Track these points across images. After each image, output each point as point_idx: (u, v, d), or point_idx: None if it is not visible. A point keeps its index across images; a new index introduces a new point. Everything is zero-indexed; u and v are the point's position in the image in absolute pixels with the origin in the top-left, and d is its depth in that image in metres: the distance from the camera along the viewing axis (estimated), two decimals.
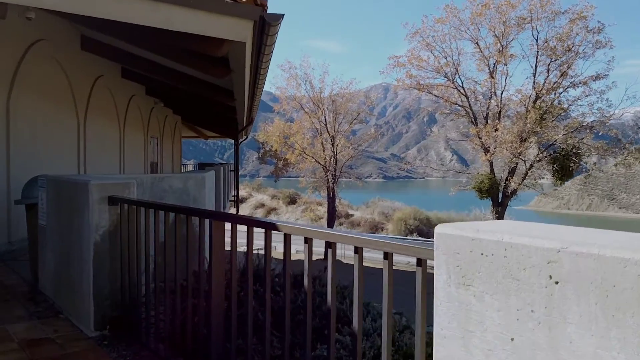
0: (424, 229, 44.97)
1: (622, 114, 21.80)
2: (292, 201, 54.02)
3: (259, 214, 50.15)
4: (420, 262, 1.94)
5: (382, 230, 45.67)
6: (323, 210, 47.82)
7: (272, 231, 2.67)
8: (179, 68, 11.20)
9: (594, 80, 21.67)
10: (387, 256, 2.00)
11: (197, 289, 3.88)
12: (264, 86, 11.26)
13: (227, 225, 3.06)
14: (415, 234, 43.32)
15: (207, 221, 3.16)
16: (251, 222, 2.70)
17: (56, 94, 9.84)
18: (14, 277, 6.11)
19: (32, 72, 8.49)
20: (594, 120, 21.64)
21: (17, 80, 7.90)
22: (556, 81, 21.72)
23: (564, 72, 21.44)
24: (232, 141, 24.66)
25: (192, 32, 5.37)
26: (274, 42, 7.18)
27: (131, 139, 15.61)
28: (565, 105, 22.31)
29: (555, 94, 22.12)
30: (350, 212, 49.14)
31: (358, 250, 2.12)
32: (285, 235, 2.46)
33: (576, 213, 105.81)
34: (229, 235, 2.92)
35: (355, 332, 2.30)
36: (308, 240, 2.34)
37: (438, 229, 1.66)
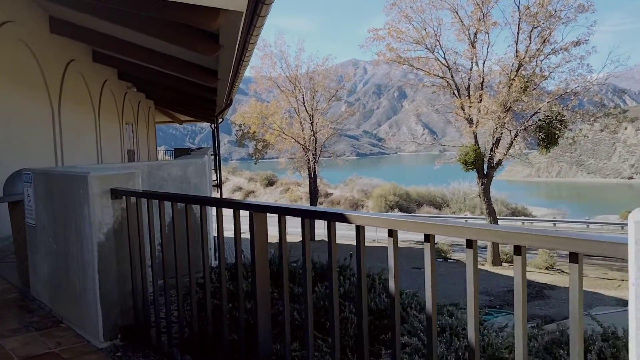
0: (404, 204, 45.06)
1: (606, 79, 21.77)
2: (270, 183, 53.55)
3: (237, 197, 49.48)
4: (519, 250, 1.56)
5: (362, 207, 45.62)
6: (302, 190, 47.50)
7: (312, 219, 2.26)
8: (157, 47, 10.54)
9: (574, 46, 21.55)
10: (472, 244, 1.58)
11: (219, 288, 3.44)
12: (248, 64, 10.70)
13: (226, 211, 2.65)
14: (396, 210, 43.36)
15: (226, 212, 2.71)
16: (307, 213, 2.26)
17: (27, 80, 9.13)
18: (0, 283, 5.55)
19: (1, 57, 7.79)
20: (578, 86, 21.56)
21: None
22: (538, 48, 21.50)
23: (546, 38, 21.23)
24: (203, 125, 24.12)
25: (185, 0, 4.83)
26: (269, 13, 6.65)
27: (107, 126, 14.87)
28: (547, 73, 22.17)
29: (536, 61, 21.92)
30: (329, 190, 48.93)
31: (472, 244, 1.70)
32: (358, 227, 2.03)
33: (546, 180, 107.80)
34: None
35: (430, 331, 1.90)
36: (393, 233, 1.91)
37: (636, 216, 1.22)
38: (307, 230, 2.27)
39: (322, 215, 2.18)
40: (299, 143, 29.50)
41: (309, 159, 29.35)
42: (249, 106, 30.65)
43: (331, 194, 48.57)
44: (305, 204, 42.29)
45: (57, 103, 10.33)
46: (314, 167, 29.53)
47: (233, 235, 2.70)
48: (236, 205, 2.69)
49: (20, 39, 8.61)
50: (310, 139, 29.34)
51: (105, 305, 3.70)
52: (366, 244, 2.51)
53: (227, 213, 2.82)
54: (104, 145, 14.18)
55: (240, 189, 54.46)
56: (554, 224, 34.41)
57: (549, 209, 53.12)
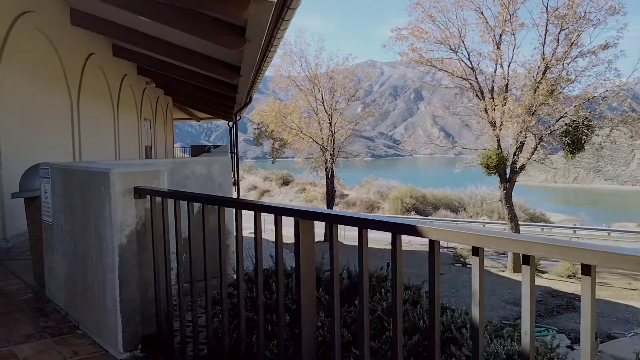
0: (421, 207, 44.51)
1: (637, 84, 21.12)
2: (285, 182, 53.27)
3: (252, 196, 49.28)
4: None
5: (378, 209, 45.17)
6: (317, 190, 47.19)
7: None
8: (180, 41, 10.31)
9: (602, 50, 20.97)
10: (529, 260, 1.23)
11: (253, 299, 3.14)
12: (272, 60, 10.40)
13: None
14: (412, 213, 42.83)
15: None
16: (365, 223, 1.93)
17: (47, 72, 8.93)
18: (15, 282, 5.31)
19: (21, 47, 7.57)
20: (606, 91, 20.94)
21: (5, 56, 6.98)
22: (565, 51, 20.95)
23: (574, 41, 20.66)
24: (218, 123, 23.96)
25: None
26: (298, 6, 6.34)
27: (125, 121, 14.69)
28: (573, 77, 21.59)
29: (563, 64, 21.36)
30: (345, 191, 48.48)
31: (529, 260, 1.37)
32: (432, 242, 1.70)
33: (563, 186, 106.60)
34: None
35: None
36: (479, 251, 1.58)
37: None
38: (365, 241, 1.96)
39: (384, 225, 1.86)
40: (317, 143, 29.17)
41: (326, 159, 29.00)
42: (267, 104, 30.39)
43: (347, 195, 48.15)
44: (321, 205, 41.98)
45: (77, 96, 10.12)
46: (332, 168, 29.18)
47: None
48: (278, 211, 2.38)
49: (40, 29, 8.40)
50: (328, 139, 28.99)
51: (125, 313, 3.42)
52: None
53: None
54: (121, 140, 13.99)
55: (255, 187, 54.28)
56: (574, 231, 33.68)
57: (567, 215, 52.25)
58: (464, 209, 44.86)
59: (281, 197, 50.12)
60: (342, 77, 29.45)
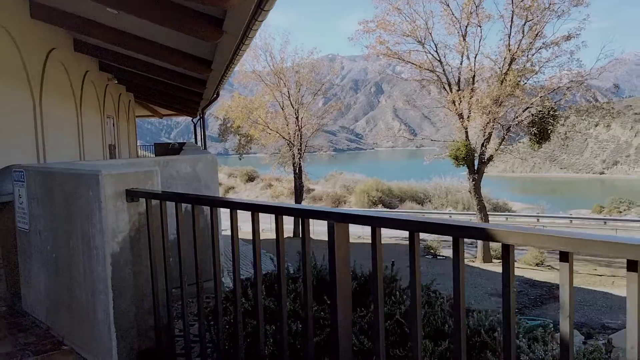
0: (387, 200, 44.74)
1: (600, 74, 21.61)
2: (250, 179, 52.70)
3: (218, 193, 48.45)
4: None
5: (344, 203, 45.18)
6: (284, 186, 46.90)
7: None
8: (146, 34, 9.90)
9: (565, 41, 21.36)
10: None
11: (274, 310, 2.91)
12: (244, 53, 10.10)
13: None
14: (379, 206, 43.04)
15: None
16: (415, 225, 1.74)
17: (7, 69, 8.39)
18: None
19: None
20: (571, 81, 21.35)
21: None
22: (530, 42, 21.23)
23: (539, 32, 20.96)
24: (178, 120, 23.36)
25: None
26: None
27: (88, 120, 14.08)
28: (537, 68, 21.93)
29: (527, 55, 21.66)
30: (311, 186, 48.29)
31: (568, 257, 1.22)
32: (507, 247, 1.53)
33: (521, 175, 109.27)
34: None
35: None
36: (568, 256, 1.42)
37: None
38: (417, 246, 1.77)
39: (445, 229, 1.67)
40: (284, 138, 28.85)
41: (293, 154, 28.73)
42: (233, 100, 29.87)
43: (313, 190, 47.99)
44: (288, 201, 41.70)
45: (39, 94, 9.58)
46: (300, 163, 28.93)
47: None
48: (302, 213, 2.16)
49: (0, 24, 7.89)
50: (295, 133, 28.70)
51: (120, 326, 3.15)
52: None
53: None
54: (86, 140, 13.41)
55: (220, 184, 53.54)
56: (538, 220, 34.44)
57: (527, 204, 53.49)
58: (430, 201, 45.32)
59: (247, 194, 49.55)
60: (308, 71, 29.20)
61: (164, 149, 29.05)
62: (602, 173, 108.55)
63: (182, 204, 2.85)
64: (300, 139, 28.76)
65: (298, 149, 28.64)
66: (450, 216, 37.08)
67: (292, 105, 28.83)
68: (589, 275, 19.62)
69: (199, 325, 2.89)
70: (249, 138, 30.05)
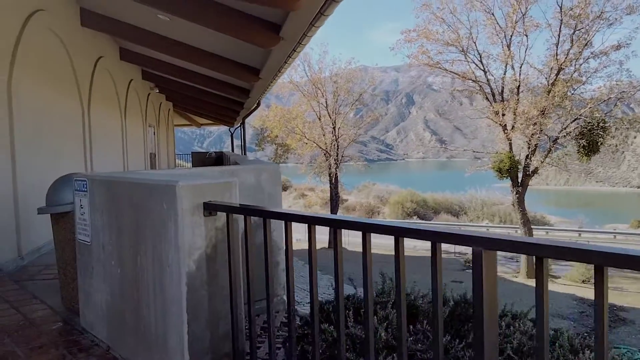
0: (421, 212, 44.06)
1: None
2: (283, 188, 52.71)
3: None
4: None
5: (378, 214, 44.68)
6: (317, 196, 46.72)
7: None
8: (195, 42, 9.78)
9: (615, 50, 20.59)
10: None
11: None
12: (293, 61, 9.90)
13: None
14: (414, 217, 42.38)
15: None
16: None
17: (58, 75, 8.35)
18: (40, 307, 4.73)
19: (33, 49, 7.00)
20: (622, 92, 20.54)
21: (18, 58, 6.41)
22: (579, 51, 20.54)
23: (588, 41, 20.27)
24: (211, 129, 23.39)
25: None
26: (340, 2, 5.83)
27: (132, 128, 14.10)
28: (584, 78, 21.20)
29: (574, 65, 20.96)
30: (344, 196, 47.94)
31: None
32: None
33: (555, 188, 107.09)
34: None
35: None
36: None
37: None
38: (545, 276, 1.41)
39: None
40: (320, 148, 28.63)
41: (330, 164, 28.46)
42: (271, 110, 29.84)
43: (346, 200, 47.59)
44: (323, 211, 41.38)
45: (87, 102, 9.54)
46: (336, 173, 28.64)
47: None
48: (434, 236, 1.84)
49: (51, 29, 7.83)
50: (332, 143, 28.45)
51: (194, 353, 2.87)
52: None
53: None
54: (129, 148, 13.41)
55: None
56: (579, 234, 33.35)
57: (563, 218, 52.13)
58: (465, 213, 44.46)
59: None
60: (345, 81, 28.97)
61: (202, 158, 29.22)
62: (639, 187, 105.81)
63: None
64: (337, 149, 28.51)
65: (335, 159, 28.38)
66: (488, 229, 36.23)
67: (329, 115, 28.62)
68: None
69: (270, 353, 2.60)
70: (286, 147, 29.95)
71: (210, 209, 2.86)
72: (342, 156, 29.21)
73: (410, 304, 3.24)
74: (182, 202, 2.78)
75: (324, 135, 28.60)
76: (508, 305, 3.56)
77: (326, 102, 28.80)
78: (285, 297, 5.46)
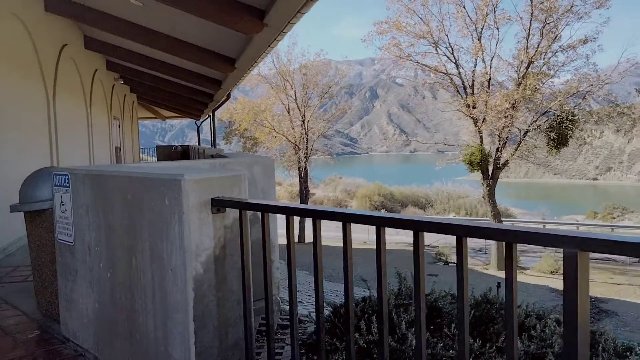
0: (389, 205, 44.21)
1: (622, 78, 21.15)
2: None
3: None
4: None
5: (346, 207, 44.61)
6: (283, 190, 46.28)
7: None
8: (167, 28, 9.34)
9: (582, 44, 20.90)
10: None
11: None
12: (272, 50, 9.57)
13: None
14: (383, 210, 42.49)
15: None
16: None
17: (22, 63, 7.81)
18: (12, 313, 4.32)
19: None
20: (591, 85, 20.88)
21: None
22: (548, 45, 20.76)
23: (557, 34, 20.51)
24: (172, 123, 22.77)
25: None
26: None
27: (98, 121, 13.50)
28: (552, 72, 21.46)
29: (543, 58, 21.20)
30: (312, 190, 47.70)
31: None
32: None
33: (515, 181, 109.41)
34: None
35: None
36: None
37: None
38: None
39: None
40: (290, 141, 28.27)
41: (299, 158, 28.14)
42: (238, 102, 29.29)
43: (313, 194, 47.35)
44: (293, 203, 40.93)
45: (52, 91, 8.99)
46: (305, 166, 28.35)
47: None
48: (508, 235, 1.62)
49: (14, 13, 7.30)
50: (301, 137, 28.13)
51: None
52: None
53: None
54: (95, 141, 12.83)
55: None
56: (544, 226, 34.02)
57: (525, 210, 53.27)
58: (431, 206, 44.86)
59: None
60: (315, 74, 28.65)
61: (167, 152, 28.46)
62: (595, 179, 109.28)
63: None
64: (307, 142, 28.21)
65: (304, 153, 28.08)
66: None
67: (298, 108, 28.25)
68: (608, 284, 19.10)
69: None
70: (255, 141, 29.48)
71: (219, 205, 2.57)
72: (311, 149, 28.93)
73: (432, 305, 3.03)
74: (189, 198, 2.49)
75: (292, 128, 28.24)
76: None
77: (295, 94, 28.43)
78: (279, 297, 5.18)
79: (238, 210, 2.61)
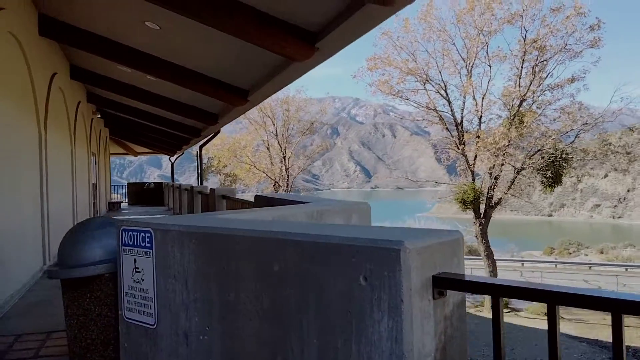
0: None
1: (616, 117, 21.25)
2: None
3: None
4: None
5: None
6: None
7: None
8: (183, 57, 8.47)
9: (569, 83, 20.99)
10: None
11: None
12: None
13: None
14: None
15: None
16: None
17: (16, 88, 6.77)
18: None
19: None
20: (585, 124, 20.86)
21: None
22: (540, 83, 20.76)
23: (549, 73, 20.57)
24: (131, 159, 21.62)
25: None
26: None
27: (80, 156, 12.36)
28: (539, 110, 21.44)
29: (533, 97, 21.16)
30: None
31: None
32: None
33: (471, 217, 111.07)
34: None
35: None
36: None
37: None
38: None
39: None
40: (270, 178, 27.36)
41: None
42: (218, 138, 28.32)
43: None
44: None
45: (44, 124, 7.93)
46: None
47: None
48: None
49: (10, 32, 6.31)
50: (281, 173, 27.28)
51: None
52: None
53: None
54: (78, 179, 11.66)
55: None
56: (522, 264, 33.90)
57: (492, 247, 53.54)
58: None
59: None
60: (296, 110, 28.04)
61: (139, 189, 27.05)
62: (550, 215, 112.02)
63: None
64: (287, 178, 27.37)
65: (285, 189, 27.16)
66: None
67: (279, 144, 27.49)
68: (604, 326, 18.59)
69: None
70: (234, 177, 28.44)
71: (442, 286, 1.71)
72: (292, 186, 28.07)
73: None
74: (411, 277, 1.62)
75: (271, 164, 27.40)
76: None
77: (276, 130, 27.69)
78: None
79: (461, 293, 1.76)
